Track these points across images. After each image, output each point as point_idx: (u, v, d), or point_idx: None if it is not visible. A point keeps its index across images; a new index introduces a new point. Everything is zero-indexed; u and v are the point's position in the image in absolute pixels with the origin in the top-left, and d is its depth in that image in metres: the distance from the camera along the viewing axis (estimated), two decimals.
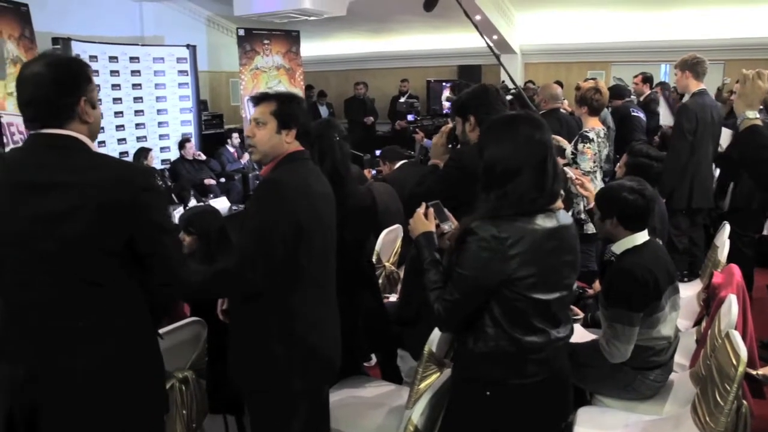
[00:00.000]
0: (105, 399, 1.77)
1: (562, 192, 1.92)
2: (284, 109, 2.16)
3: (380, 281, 3.78)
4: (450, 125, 2.65)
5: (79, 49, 7.70)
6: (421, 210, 2.07)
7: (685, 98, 4.71)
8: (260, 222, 2.03)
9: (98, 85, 7.89)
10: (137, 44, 9.01)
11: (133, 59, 8.71)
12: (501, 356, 1.85)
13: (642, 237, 2.58)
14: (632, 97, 6.74)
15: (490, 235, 1.76)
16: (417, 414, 1.89)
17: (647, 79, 6.73)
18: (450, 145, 2.70)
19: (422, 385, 2.29)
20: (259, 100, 2.20)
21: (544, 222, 1.83)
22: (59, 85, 1.71)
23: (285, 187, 2.07)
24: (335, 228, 2.28)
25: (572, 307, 3.22)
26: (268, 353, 2.10)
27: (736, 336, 2.15)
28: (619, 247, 2.61)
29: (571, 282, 1.94)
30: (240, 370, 2.18)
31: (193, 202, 6.42)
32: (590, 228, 3.89)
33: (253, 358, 2.14)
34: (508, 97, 6.26)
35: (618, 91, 6.58)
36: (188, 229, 3.02)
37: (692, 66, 4.54)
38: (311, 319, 2.14)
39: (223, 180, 8.37)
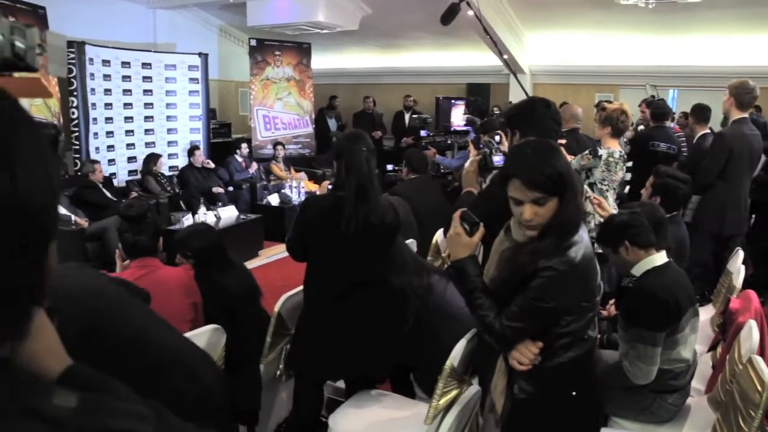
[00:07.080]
0: None
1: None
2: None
3: None
4: (478, 156, 2.66)
5: (92, 53, 7.75)
6: (458, 229, 1.96)
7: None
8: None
9: (109, 89, 8.03)
10: (150, 50, 9.06)
11: (145, 65, 8.75)
12: (576, 360, 1.96)
13: (661, 258, 2.59)
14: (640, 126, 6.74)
15: (569, 266, 1.83)
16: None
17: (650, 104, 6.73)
18: (481, 177, 2.70)
19: (442, 401, 2.28)
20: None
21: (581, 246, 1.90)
22: None
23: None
24: None
25: None
26: None
27: (760, 362, 2.15)
28: (638, 269, 2.60)
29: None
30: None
31: (202, 210, 6.42)
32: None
33: None
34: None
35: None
36: (185, 252, 2.96)
37: (736, 93, 4.41)
38: None
39: (231, 189, 8.34)
